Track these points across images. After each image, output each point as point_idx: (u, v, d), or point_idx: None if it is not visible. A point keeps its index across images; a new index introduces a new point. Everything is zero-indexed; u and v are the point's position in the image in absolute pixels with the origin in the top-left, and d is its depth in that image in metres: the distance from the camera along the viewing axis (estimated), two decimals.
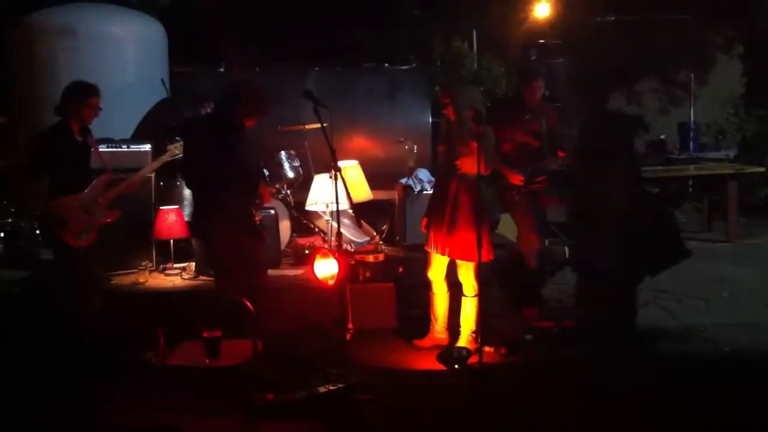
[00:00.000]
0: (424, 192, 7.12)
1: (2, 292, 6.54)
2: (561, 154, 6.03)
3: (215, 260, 5.36)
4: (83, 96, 5.20)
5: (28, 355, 5.28)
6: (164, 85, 8.29)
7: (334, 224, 6.00)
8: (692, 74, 11.20)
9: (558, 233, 7.41)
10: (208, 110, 7.25)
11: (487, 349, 5.19)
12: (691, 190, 10.93)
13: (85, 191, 5.22)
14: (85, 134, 5.30)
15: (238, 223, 5.12)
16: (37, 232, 7.41)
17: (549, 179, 6.02)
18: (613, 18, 12.27)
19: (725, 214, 9.17)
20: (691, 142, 10.37)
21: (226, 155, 5.05)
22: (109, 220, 5.33)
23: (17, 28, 8.31)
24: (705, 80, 12.90)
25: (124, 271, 6.62)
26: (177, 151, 5.76)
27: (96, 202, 5.24)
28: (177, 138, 5.90)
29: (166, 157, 5.88)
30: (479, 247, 4.99)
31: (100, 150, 5.57)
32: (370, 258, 6.31)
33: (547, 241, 7.25)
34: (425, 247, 5.56)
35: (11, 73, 8.40)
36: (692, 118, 10.89)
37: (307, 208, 7.04)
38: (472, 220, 5.16)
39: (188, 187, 5.65)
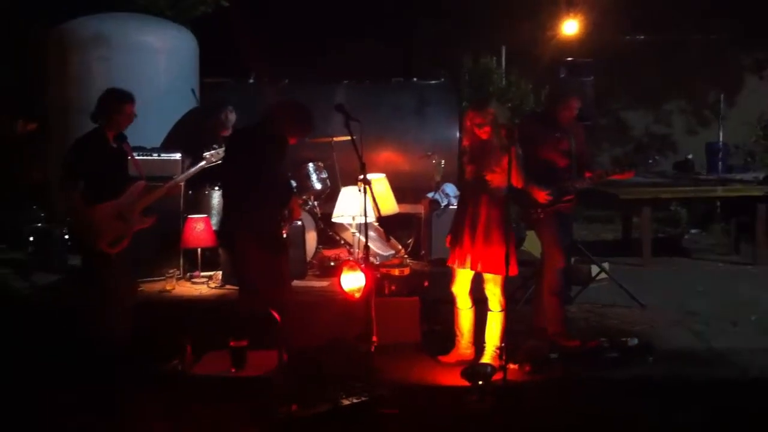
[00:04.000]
0: (451, 206, 7.13)
1: (34, 298, 6.61)
2: (588, 174, 5.99)
3: (240, 272, 5.38)
4: (118, 104, 5.24)
5: (53, 361, 5.32)
6: (194, 94, 8.37)
7: (361, 237, 6.01)
8: (722, 95, 11.14)
9: (584, 251, 7.36)
10: (230, 115, 7.33)
11: (511, 366, 5.15)
12: (719, 211, 10.85)
13: (121, 198, 5.26)
14: (120, 141, 5.35)
15: (265, 236, 5.14)
16: (66, 237, 7.50)
17: (575, 199, 6.00)
18: (642, 37, 12.23)
19: (753, 237, 9.08)
20: (720, 163, 10.28)
21: (265, 170, 5.08)
22: (144, 226, 5.36)
23: (51, 37, 8.43)
24: (734, 101, 12.82)
25: (151, 279, 6.66)
26: (213, 159, 5.81)
27: (131, 208, 5.27)
28: (214, 146, 5.95)
29: (203, 164, 5.93)
30: (508, 261, 4.98)
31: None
32: (396, 272, 6.31)
33: (573, 260, 7.22)
34: (448, 263, 5.56)
35: (45, 81, 8.52)
36: (721, 139, 10.83)
37: (334, 220, 7.06)
38: (503, 234, 5.17)
39: (223, 197, 5.70)
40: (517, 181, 5.14)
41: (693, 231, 11.08)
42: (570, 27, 11.29)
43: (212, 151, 5.83)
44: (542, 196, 5.77)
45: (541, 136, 5.91)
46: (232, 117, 7.41)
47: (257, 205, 5.11)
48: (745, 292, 7.65)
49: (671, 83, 13.28)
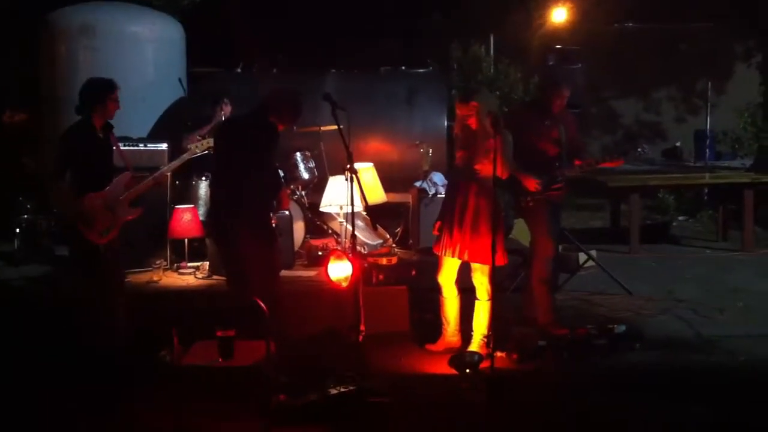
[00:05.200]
0: (439, 195, 7.12)
1: (20, 288, 6.59)
2: (577, 162, 6.00)
3: (229, 262, 5.38)
4: (101, 93, 5.21)
5: (44, 354, 5.31)
6: (182, 84, 8.34)
7: (348, 226, 6.00)
8: (709, 83, 11.18)
9: (572, 239, 7.38)
10: (226, 107, 7.30)
11: (499, 354, 5.17)
12: (706, 198, 10.89)
13: (107, 188, 5.24)
14: (106, 132, 5.32)
15: (256, 227, 5.12)
16: (54, 228, 7.48)
17: (565, 187, 6.01)
18: (631, 24, 12.23)
19: (741, 224, 9.12)
20: (707, 150, 10.31)
21: (257, 159, 5.07)
22: (131, 217, 5.34)
23: (39, 27, 8.39)
24: (723, 89, 12.84)
25: (138, 270, 6.64)
26: (198, 150, 5.78)
27: (118, 199, 5.25)
28: (199, 136, 5.92)
29: (187, 156, 5.91)
30: (495, 250, 5.00)
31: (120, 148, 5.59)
32: (384, 261, 6.33)
33: (560, 248, 7.24)
34: (434, 250, 5.57)
35: (35, 71, 8.48)
36: (709, 126, 10.87)
37: (322, 209, 7.05)
38: (491, 224, 5.17)
39: (212, 186, 5.67)
40: (501, 172, 5.09)
41: (681, 218, 11.12)
42: (558, 14, 11.27)
43: (197, 142, 5.81)
44: (532, 184, 5.78)
45: (531, 124, 5.92)
46: (228, 109, 7.37)
47: (252, 196, 5.10)
48: (733, 278, 7.69)
49: (661, 71, 13.28)
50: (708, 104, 10.97)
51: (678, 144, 11.35)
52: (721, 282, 7.56)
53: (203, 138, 6.11)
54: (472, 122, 5.31)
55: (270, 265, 5.24)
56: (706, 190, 10.73)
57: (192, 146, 5.83)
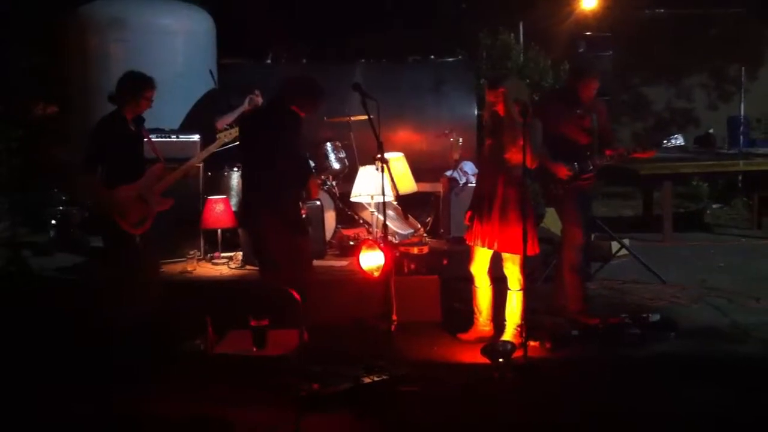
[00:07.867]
0: (469, 185, 7.11)
1: (56, 279, 6.67)
2: (608, 152, 5.93)
3: (261, 253, 5.41)
4: (139, 89, 5.25)
5: (77, 342, 5.38)
6: (212, 76, 8.37)
7: (379, 216, 6.00)
8: (743, 69, 11.02)
9: (605, 228, 7.33)
10: (255, 99, 7.33)
11: (532, 343, 5.16)
12: (740, 185, 10.76)
13: (140, 180, 5.29)
14: (138, 124, 5.37)
15: (286, 217, 5.15)
16: (88, 219, 7.56)
17: (596, 176, 5.96)
18: (662, 10, 12.08)
19: None
20: (741, 137, 10.17)
21: (282, 146, 5.10)
22: (163, 208, 5.39)
23: (70, 20, 8.46)
24: (756, 75, 12.66)
25: (172, 260, 6.70)
26: (227, 140, 5.81)
27: (150, 190, 5.30)
28: (227, 126, 5.95)
29: (214, 147, 5.94)
30: (526, 240, 4.97)
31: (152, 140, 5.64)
32: (415, 250, 6.32)
33: (593, 236, 7.20)
34: (466, 240, 5.56)
35: (65, 63, 8.56)
36: (742, 113, 10.72)
37: (352, 199, 7.06)
38: (520, 213, 5.14)
39: (243, 177, 5.71)
40: (529, 162, 5.02)
41: (715, 206, 11.00)
42: (589, 1, 11.16)
43: (225, 131, 5.84)
44: (562, 172, 5.74)
45: (563, 113, 5.87)
46: (258, 101, 7.38)
47: (278, 185, 5.12)
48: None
49: (692, 57, 13.13)
50: (742, 90, 10.82)
51: (711, 131, 11.21)
52: (756, 270, 7.47)
53: (231, 127, 6.13)
54: (500, 109, 5.27)
55: (300, 253, 5.27)
56: (740, 177, 10.59)
57: (220, 135, 5.88)
